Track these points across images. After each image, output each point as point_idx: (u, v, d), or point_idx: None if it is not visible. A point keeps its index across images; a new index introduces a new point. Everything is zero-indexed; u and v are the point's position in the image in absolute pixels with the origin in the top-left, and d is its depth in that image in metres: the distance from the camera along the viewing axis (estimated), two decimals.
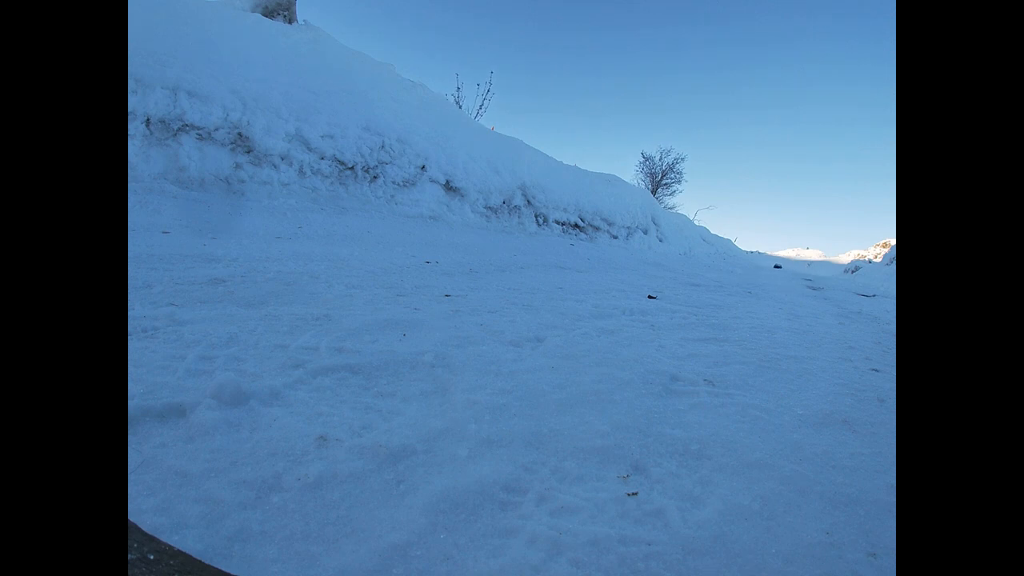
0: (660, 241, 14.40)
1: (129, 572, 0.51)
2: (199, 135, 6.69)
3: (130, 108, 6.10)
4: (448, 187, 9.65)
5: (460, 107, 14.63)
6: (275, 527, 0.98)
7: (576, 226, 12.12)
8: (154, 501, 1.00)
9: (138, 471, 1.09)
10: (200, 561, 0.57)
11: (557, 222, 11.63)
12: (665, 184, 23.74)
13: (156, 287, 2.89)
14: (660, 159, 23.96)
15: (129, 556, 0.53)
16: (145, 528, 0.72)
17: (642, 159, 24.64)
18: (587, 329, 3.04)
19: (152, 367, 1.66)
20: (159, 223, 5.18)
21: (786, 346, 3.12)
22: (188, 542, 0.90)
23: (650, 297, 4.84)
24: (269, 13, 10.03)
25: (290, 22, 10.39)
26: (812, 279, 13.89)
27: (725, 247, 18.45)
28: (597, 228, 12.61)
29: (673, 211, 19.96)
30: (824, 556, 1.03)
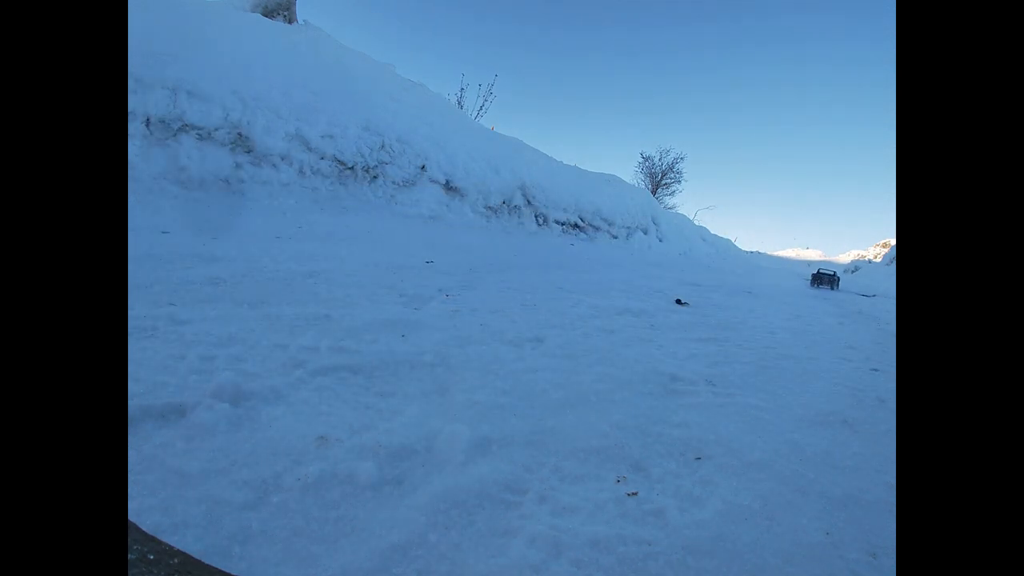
0: (660, 241, 14.40)
1: (129, 572, 0.51)
2: (199, 135, 6.69)
3: (130, 108, 6.10)
4: (448, 187, 9.64)
5: (462, 107, 14.59)
6: (275, 527, 0.98)
7: (576, 226, 12.12)
8: (154, 501, 1.00)
9: (138, 471, 1.09)
10: (200, 561, 0.57)
11: (557, 222, 11.63)
12: (665, 184, 23.69)
13: (156, 287, 2.89)
14: (660, 159, 23.91)
15: (129, 556, 0.53)
16: (145, 528, 0.72)
17: (642, 159, 24.59)
18: (587, 329, 3.04)
19: (152, 367, 1.66)
20: (159, 223, 5.18)
21: (786, 346, 3.12)
22: (188, 542, 0.90)
23: (651, 297, 4.84)
24: (269, 13, 10.02)
25: (290, 22, 10.39)
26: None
27: (725, 247, 18.43)
28: (597, 228, 12.61)
29: (673, 211, 19.92)
30: (824, 556, 1.03)
